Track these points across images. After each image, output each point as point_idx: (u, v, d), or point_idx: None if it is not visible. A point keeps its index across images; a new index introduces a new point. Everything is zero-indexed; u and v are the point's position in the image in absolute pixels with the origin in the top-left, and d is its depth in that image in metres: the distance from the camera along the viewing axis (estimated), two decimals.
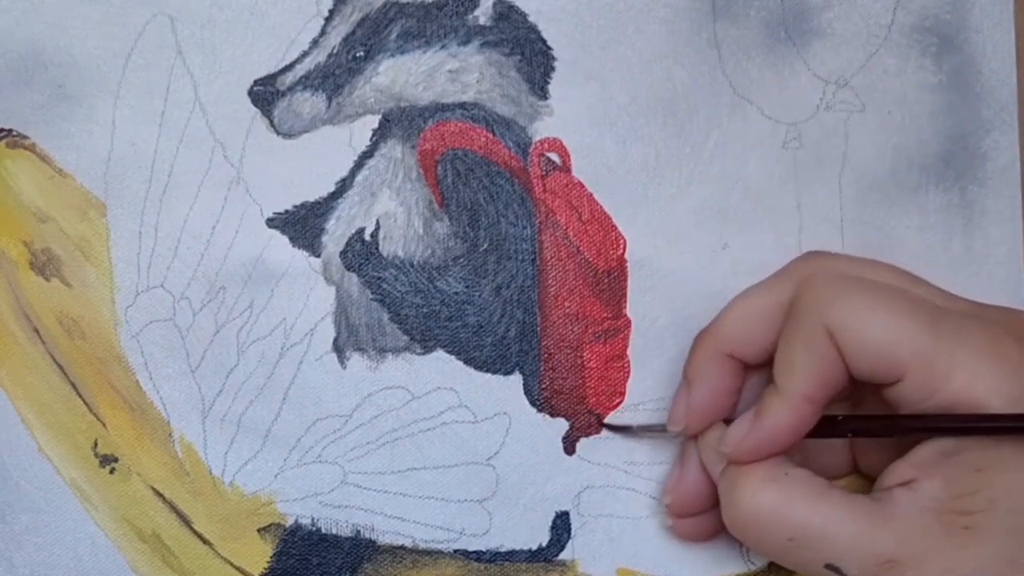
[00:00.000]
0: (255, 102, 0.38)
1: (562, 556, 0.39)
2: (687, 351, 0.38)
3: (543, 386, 0.39)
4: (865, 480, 0.38)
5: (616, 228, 0.39)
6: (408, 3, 0.39)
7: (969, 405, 0.31)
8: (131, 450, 0.38)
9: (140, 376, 0.38)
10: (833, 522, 0.32)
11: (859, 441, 0.37)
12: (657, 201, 0.39)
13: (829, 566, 0.32)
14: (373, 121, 0.39)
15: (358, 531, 0.38)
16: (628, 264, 0.39)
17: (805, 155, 0.40)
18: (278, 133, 0.39)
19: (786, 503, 0.33)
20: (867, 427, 0.34)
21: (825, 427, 0.34)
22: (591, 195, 0.39)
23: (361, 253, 0.39)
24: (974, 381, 0.31)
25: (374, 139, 0.39)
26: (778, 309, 0.35)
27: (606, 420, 0.39)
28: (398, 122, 0.39)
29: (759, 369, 0.36)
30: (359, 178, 0.39)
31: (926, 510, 0.32)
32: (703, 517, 0.37)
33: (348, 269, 0.39)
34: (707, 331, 0.37)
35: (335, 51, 0.38)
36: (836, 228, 0.40)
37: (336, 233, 0.39)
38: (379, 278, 0.39)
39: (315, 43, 0.39)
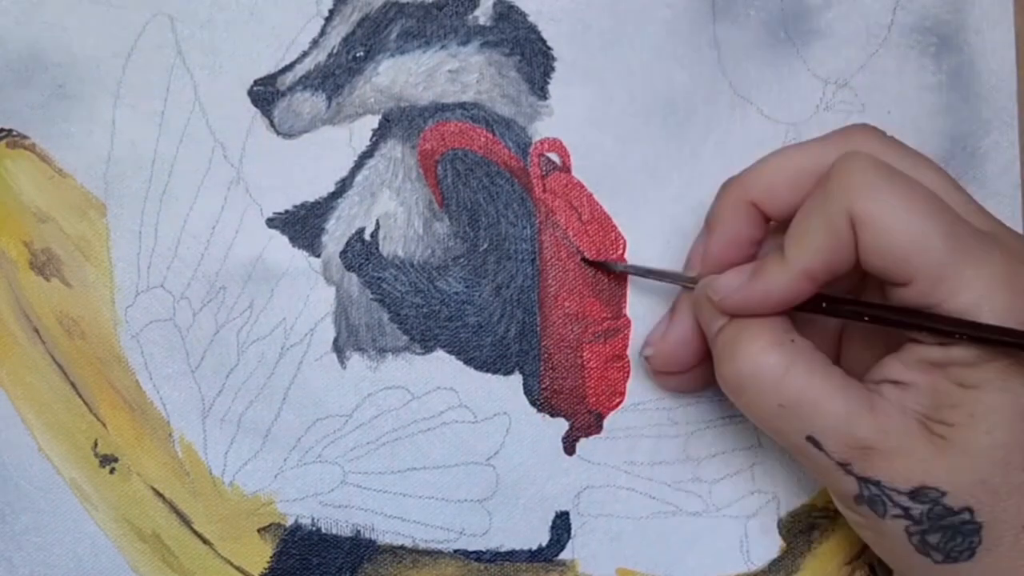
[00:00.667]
0: (255, 102, 0.38)
1: (562, 556, 0.39)
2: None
3: (543, 386, 0.39)
4: None
5: (616, 228, 0.39)
6: (408, 3, 0.39)
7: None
8: (131, 450, 0.38)
9: (140, 376, 0.38)
10: (826, 398, 0.32)
11: (851, 331, 0.37)
12: (657, 201, 0.39)
13: (810, 438, 0.32)
14: (373, 121, 0.39)
15: (358, 531, 0.38)
16: (628, 264, 0.39)
17: None
18: (278, 133, 0.39)
19: (787, 369, 0.33)
20: (861, 311, 0.34)
21: (818, 303, 0.34)
22: (591, 195, 0.39)
23: (361, 253, 0.39)
24: (979, 303, 0.31)
25: (374, 139, 0.39)
26: (814, 172, 0.34)
27: (618, 267, 0.39)
28: (398, 122, 0.39)
29: (776, 234, 0.36)
30: (359, 178, 0.39)
31: (909, 411, 0.32)
32: (676, 376, 0.38)
33: (348, 269, 0.39)
34: (736, 178, 0.36)
35: (335, 51, 0.38)
36: None
37: (336, 233, 0.39)
38: (379, 278, 0.39)
39: (315, 43, 0.39)
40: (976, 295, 0.31)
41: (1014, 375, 0.32)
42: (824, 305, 0.34)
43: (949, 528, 0.32)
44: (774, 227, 0.36)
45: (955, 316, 0.31)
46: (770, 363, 0.33)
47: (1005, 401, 0.31)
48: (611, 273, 0.39)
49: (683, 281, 0.37)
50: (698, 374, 0.38)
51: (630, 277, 0.39)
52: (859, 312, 0.34)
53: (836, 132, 0.35)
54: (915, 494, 0.32)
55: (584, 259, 0.39)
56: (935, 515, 0.32)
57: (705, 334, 0.36)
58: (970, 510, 0.31)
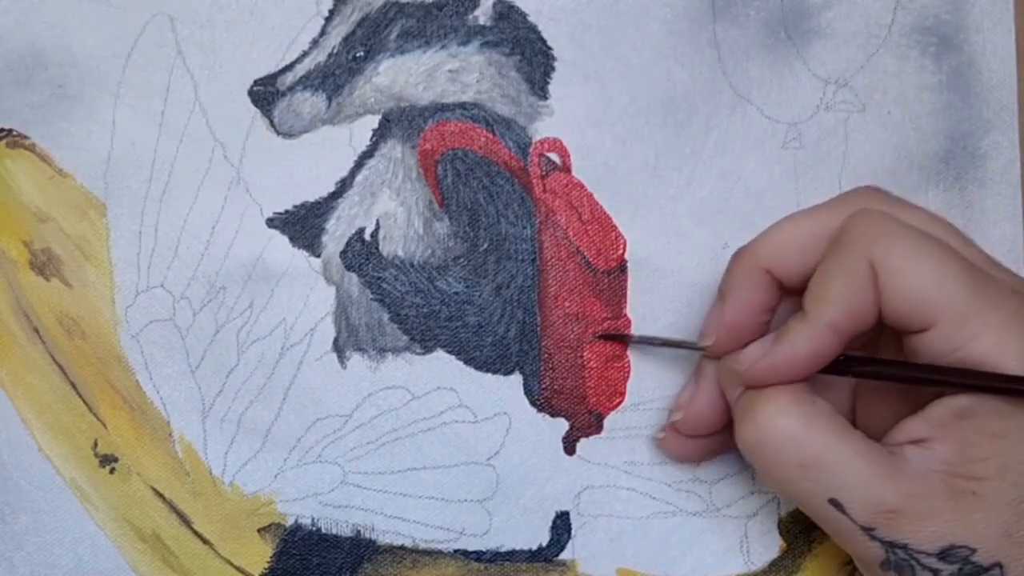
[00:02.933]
0: (255, 102, 0.38)
1: (562, 556, 0.39)
2: (687, 351, 0.37)
3: (543, 386, 0.39)
4: None
5: (616, 228, 0.39)
6: (408, 3, 0.39)
7: (992, 367, 0.31)
8: (131, 450, 0.38)
9: (140, 376, 0.38)
10: (848, 459, 0.32)
11: (866, 392, 0.37)
12: (657, 201, 0.39)
13: (833, 501, 0.32)
14: (373, 121, 0.39)
15: (358, 531, 0.38)
16: (628, 264, 0.39)
17: (805, 155, 0.40)
18: (278, 133, 0.39)
19: (807, 429, 0.32)
20: (884, 371, 0.34)
21: (842, 365, 0.34)
22: (591, 195, 0.39)
23: (361, 253, 0.39)
24: (1002, 345, 0.31)
25: (374, 139, 0.39)
26: (824, 236, 0.34)
27: (635, 337, 0.39)
28: (398, 122, 0.39)
29: (791, 299, 0.36)
30: (359, 178, 0.39)
31: (935, 472, 0.32)
32: (702, 440, 0.37)
33: (348, 269, 0.39)
34: (747, 246, 0.36)
35: (335, 51, 0.38)
36: None
37: (336, 233, 0.39)
38: (379, 278, 0.39)
39: (315, 43, 0.39)
40: (998, 337, 0.31)
41: None
42: (851, 367, 0.34)
43: None
44: (787, 301, 0.36)
45: (978, 358, 0.31)
46: (791, 421, 0.33)
47: None
48: (626, 343, 0.39)
49: (698, 349, 0.37)
50: (718, 440, 0.37)
51: (630, 278, 0.39)
52: (889, 372, 0.34)
53: (841, 195, 0.36)
54: (944, 555, 0.31)
55: (598, 336, 0.39)
56: (965, 574, 0.31)
57: (727, 399, 0.36)
58: (1000, 565, 0.31)
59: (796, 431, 0.32)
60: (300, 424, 0.38)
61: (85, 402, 0.38)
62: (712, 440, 0.38)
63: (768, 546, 0.40)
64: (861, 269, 0.32)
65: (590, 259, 0.39)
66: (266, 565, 0.38)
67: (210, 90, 0.38)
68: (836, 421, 0.33)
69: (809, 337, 0.33)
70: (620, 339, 0.39)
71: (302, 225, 0.39)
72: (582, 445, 0.39)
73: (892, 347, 0.35)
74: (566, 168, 0.39)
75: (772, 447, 0.33)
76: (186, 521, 0.38)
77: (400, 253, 0.39)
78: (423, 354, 0.39)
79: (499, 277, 0.39)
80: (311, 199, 0.39)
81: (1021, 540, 0.31)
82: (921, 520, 0.31)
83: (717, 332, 0.36)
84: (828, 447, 0.32)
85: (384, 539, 0.39)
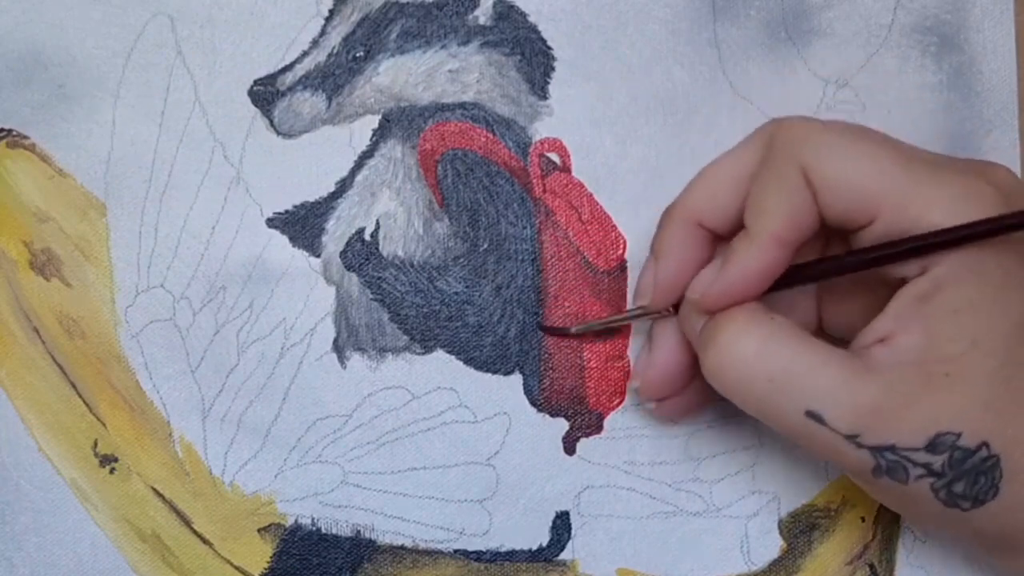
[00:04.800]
0: (255, 102, 0.38)
1: (562, 556, 0.39)
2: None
3: (543, 386, 0.39)
4: None
5: (616, 228, 0.39)
6: (408, 3, 0.39)
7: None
8: (131, 450, 0.38)
9: (140, 376, 0.38)
10: (817, 366, 0.31)
11: (827, 295, 0.36)
12: (657, 201, 0.39)
13: (810, 413, 0.31)
14: (373, 121, 0.39)
15: (358, 531, 0.38)
16: (628, 264, 0.39)
17: None
18: (278, 133, 0.39)
19: (770, 344, 0.32)
20: (837, 266, 0.33)
21: (794, 275, 0.34)
22: (591, 195, 0.39)
23: (361, 253, 0.39)
24: (948, 220, 0.31)
25: (374, 139, 0.39)
26: (747, 173, 0.34)
27: (574, 329, 0.38)
28: (398, 122, 0.39)
29: (728, 243, 0.35)
30: (359, 178, 0.39)
31: (905, 364, 0.31)
32: (679, 398, 0.37)
33: (348, 269, 0.39)
34: (675, 202, 0.36)
35: (335, 51, 0.38)
36: None
37: (336, 233, 0.39)
38: (379, 278, 0.39)
39: (315, 43, 0.39)
40: (945, 212, 0.31)
41: (1006, 289, 0.31)
42: (805, 273, 0.34)
43: (971, 471, 0.31)
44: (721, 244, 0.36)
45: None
46: (751, 338, 0.32)
47: (1002, 319, 0.31)
48: (571, 336, 0.39)
49: (639, 315, 0.37)
50: (692, 395, 0.37)
51: (630, 278, 0.39)
52: (840, 265, 0.33)
53: (755, 131, 0.35)
54: (931, 445, 0.31)
55: (541, 327, 0.39)
56: (956, 461, 0.31)
57: (692, 345, 0.35)
58: (987, 444, 0.31)
59: (759, 346, 0.32)
60: (300, 424, 0.38)
61: (85, 402, 0.38)
62: (682, 400, 0.37)
63: (768, 546, 0.40)
64: (793, 175, 0.32)
65: (590, 259, 0.39)
66: (266, 565, 0.38)
67: (210, 90, 0.38)
68: (798, 332, 0.32)
69: (756, 253, 0.33)
70: (563, 333, 0.39)
71: (302, 225, 0.39)
72: (582, 445, 0.39)
73: (841, 249, 0.34)
74: (566, 168, 0.39)
75: (738, 367, 0.32)
76: (186, 521, 0.38)
77: (400, 253, 0.39)
78: (423, 354, 0.39)
79: (499, 277, 0.39)
80: (311, 199, 0.39)
81: (1002, 412, 0.31)
82: (902, 415, 0.31)
83: (653, 292, 0.36)
84: (794, 358, 0.32)
85: (384, 539, 0.39)
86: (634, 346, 0.39)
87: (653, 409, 0.38)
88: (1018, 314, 0.31)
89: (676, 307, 0.36)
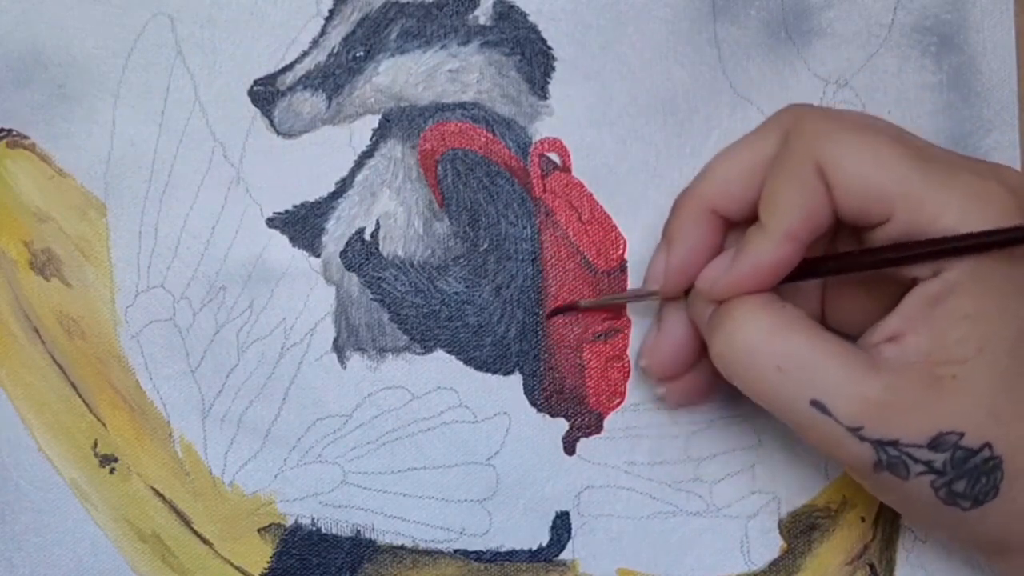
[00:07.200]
0: (255, 102, 0.38)
1: (562, 556, 0.39)
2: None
3: (543, 386, 0.39)
4: None
5: (616, 228, 0.39)
6: (408, 3, 0.39)
7: None
8: (131, 450, 0.38)
9: (140, 376, 0.38)
10: (826, 356, 0.31)
11: (834, 291, 0.36)
12: (657, 201, 0.39)
13: (815, 403, 0.31)
14: (373, 121, 0.39)
15: (358, 531, 0.38)
16: (628, 264, 0.39)
17: None
18: (278, 133, 0.39)
19: (780, 332, 0.32)
20: (850, 263, 0.33)
21: (807, 269, 0.33)
22: (591, 195, 0.39)
23: (361, 253, 0.39)
24: (962, 223, 0.31)
25: (374, 139, 0.39)
26: (762, 162, 0.34)
27: (583, 302, 0.38)
28: (398, 122, 0.39)
29: (740, 229, 0.35)
30: (359, 178, 0.39)
31: (912, 364, 0.31)
32: (686, 380, 0.37)
33: (348, 269, 0.39)
34: (689, 188, 0.36)
35: (335, 51, 0.38)
36: None
37: (336, 233, 0.39)
38: (379, 278, 0.39)
39: (315, 43, 0.39)
40: (959, 214, 0.31)
41: (1014, 297, 0.31)
42: (816, 268, 0.33)
43: (973, 471, 0.31)
44: (735, 231, 0.36)
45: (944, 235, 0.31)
46: (762, 325, 0.32)
47: (1010, 327, 0.31)
48: (579, 311, 0.39)
49: (649, 297, 0.37)
50: (699, 377, 0.37)
51: (630, 278, 0.39)
52: (854, 263, 0.33)
53: (770, 118, 0.35)
54: (934, 444, 0.31)
55: (548, 314, 0.39)
56: (957, 460, 0.31)
57: (700, 331, 0.35)
58: (989, 446, 0.31)
59: (769, 333, 0.32)
60: (300, 424, 0.38)
61: (85, 402, 0.38)
62: (689, 381, 0.37)
63: (768, 546, 0.40)
64: (809, 171, 0.32)
65: (590, 259, 0.39)
66: (266, 565, 0.38)
67: (210, 90, 0.38)
68: (808, 322, 0.32)
69: (770, 247, 0.33)
70: (571, 310, 0.39)
71: (302, 225, 0.39)
72: (582, 445, 0.39)
73: (852, 246, 0.34)
74: (566, 168, 0.39)
75: (746, 353, 0.32)
76: (186, 521, 0.38)
77: (400, 253, 0.39)
78: (423, 354, 0.39)
79: (499, 277, 0.39)
80: (311, 199, 0.39)
81: (1006, 416, 0.31)
82: (906, 412, 0.31)
83: (665, 278, 0.36)
84: (803, 347, 0.32)
85: (384, 539, 0.39)
86: (634, 346, 0.39)
87: (663, 394, 0.38)
88: None
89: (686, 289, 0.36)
